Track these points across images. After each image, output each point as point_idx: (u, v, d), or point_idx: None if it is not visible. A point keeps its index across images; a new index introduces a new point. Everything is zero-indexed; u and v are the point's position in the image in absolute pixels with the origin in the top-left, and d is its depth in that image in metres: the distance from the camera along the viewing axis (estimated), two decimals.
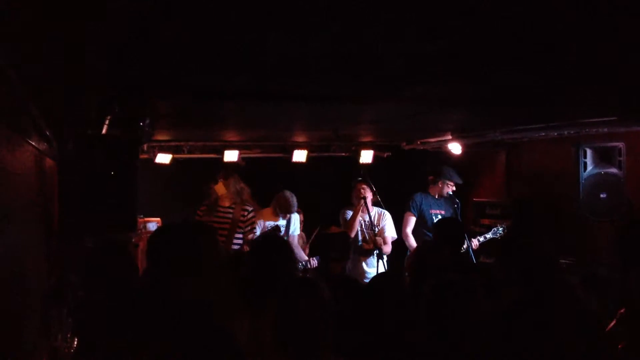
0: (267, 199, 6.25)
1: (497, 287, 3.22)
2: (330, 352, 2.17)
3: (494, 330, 2.49)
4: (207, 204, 6.00)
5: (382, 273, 5.17)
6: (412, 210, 6.25)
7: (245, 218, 5.91)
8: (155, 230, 2.61)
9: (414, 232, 6.25)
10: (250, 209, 5.95)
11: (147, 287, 2.29)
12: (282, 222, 6.15)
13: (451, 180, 6.22)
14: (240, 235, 5.89)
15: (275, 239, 3.67)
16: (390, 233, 6.19)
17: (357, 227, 6.05)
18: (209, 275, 2.22)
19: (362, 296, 3.14)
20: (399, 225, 6.31)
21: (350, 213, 6.15)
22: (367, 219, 6.06)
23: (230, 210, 5.91)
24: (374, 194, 6.23)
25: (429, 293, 2.43)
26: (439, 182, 6.27)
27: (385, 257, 5.86)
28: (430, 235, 5.91)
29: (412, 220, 6.23)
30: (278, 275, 2.97)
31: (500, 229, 6.05)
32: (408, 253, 5.63)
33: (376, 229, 6.01)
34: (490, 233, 6.02)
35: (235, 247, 5.82)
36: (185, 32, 2.37)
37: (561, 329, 2.74)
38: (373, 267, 5.94)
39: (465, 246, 5.78)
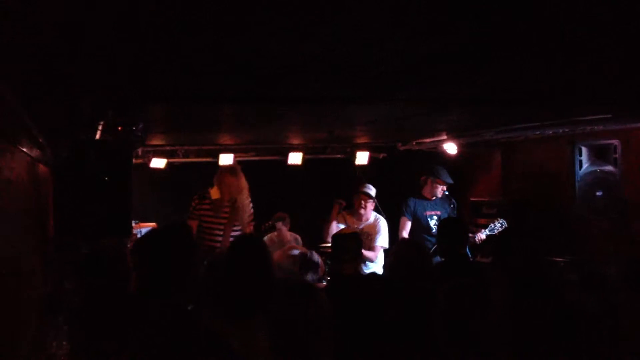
0: (262, 202, 6.18)
1: (493, 286, 3.22)
2: (330, 356, 2.15)
3: (497, 328, 2.49)
4: (209, 202, 5.65)
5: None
6: (406, 214, 6.18)
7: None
8: (142, 235, 2.59)
9: (414, 237, 6.15)
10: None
11: (141, 292, 2.28)
12: None
13: (440, 179, 6.11)
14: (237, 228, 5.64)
15: (254, 241, 3.20)
16: (381, 242, 5.99)
17: (332, 232, 5.65)
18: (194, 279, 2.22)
19: (377, 295, 3.12)
20: (396, 229, 6.27)
21: (341, 226, 5.96)
22: (360, 227, 5.94)
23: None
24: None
25: (445, 297, 2.41)
26: (429, 181, 6.19)
27: (368, 264, 5.79)
28: (431, 239, 5.87)
29: (407, 224, 6.16)
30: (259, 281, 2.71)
31: (498, 224, 5.94)
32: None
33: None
34: (487, 230, 5.92)
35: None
36: (180, 36, 2.35)
37: (558, 328, 2.73)
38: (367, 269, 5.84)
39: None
